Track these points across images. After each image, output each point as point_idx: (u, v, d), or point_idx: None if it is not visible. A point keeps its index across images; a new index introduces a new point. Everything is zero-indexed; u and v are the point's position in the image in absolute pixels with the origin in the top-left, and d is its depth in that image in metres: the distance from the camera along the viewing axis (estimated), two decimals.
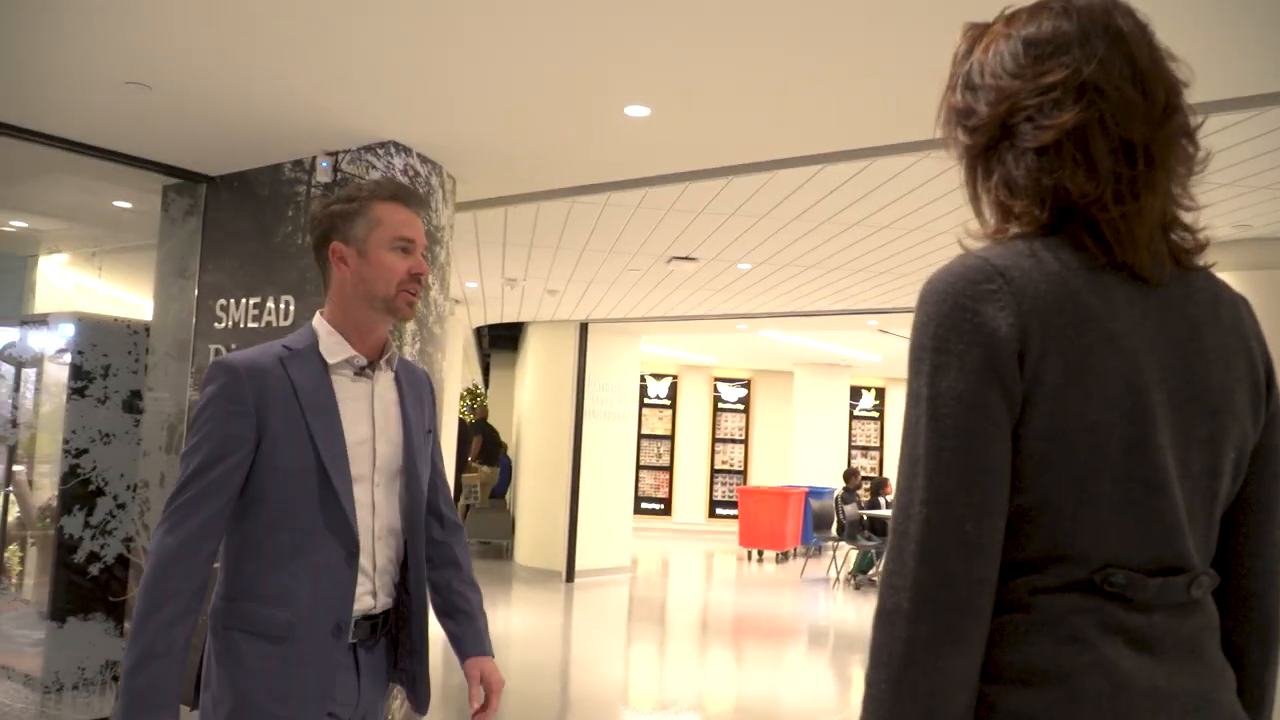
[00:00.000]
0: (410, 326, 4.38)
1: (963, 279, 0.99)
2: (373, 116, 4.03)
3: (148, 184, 5.17)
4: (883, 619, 0.98)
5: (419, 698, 1.96)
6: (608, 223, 5.73)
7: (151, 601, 1.67)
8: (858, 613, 9.34)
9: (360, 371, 1.91)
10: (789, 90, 3.52)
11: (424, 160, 4.48)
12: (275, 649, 1.75)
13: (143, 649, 1.65)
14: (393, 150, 4.34)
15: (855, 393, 16.33)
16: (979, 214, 1.14)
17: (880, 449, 16.54)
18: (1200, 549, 1.06)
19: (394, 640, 1.96)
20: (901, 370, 15.42)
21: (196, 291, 4.96)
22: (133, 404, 5.23)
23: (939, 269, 1.02)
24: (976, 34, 1.14)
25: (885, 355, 13.45)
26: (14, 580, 5.51)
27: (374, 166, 4.33)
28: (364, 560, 1.84)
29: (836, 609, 9.59)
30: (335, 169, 4.43)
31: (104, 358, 5.18)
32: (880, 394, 16.69)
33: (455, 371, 9.32)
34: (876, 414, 16.63)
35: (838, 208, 5.20)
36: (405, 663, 1.96)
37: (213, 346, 4.80)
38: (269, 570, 1.78)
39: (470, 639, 2.05)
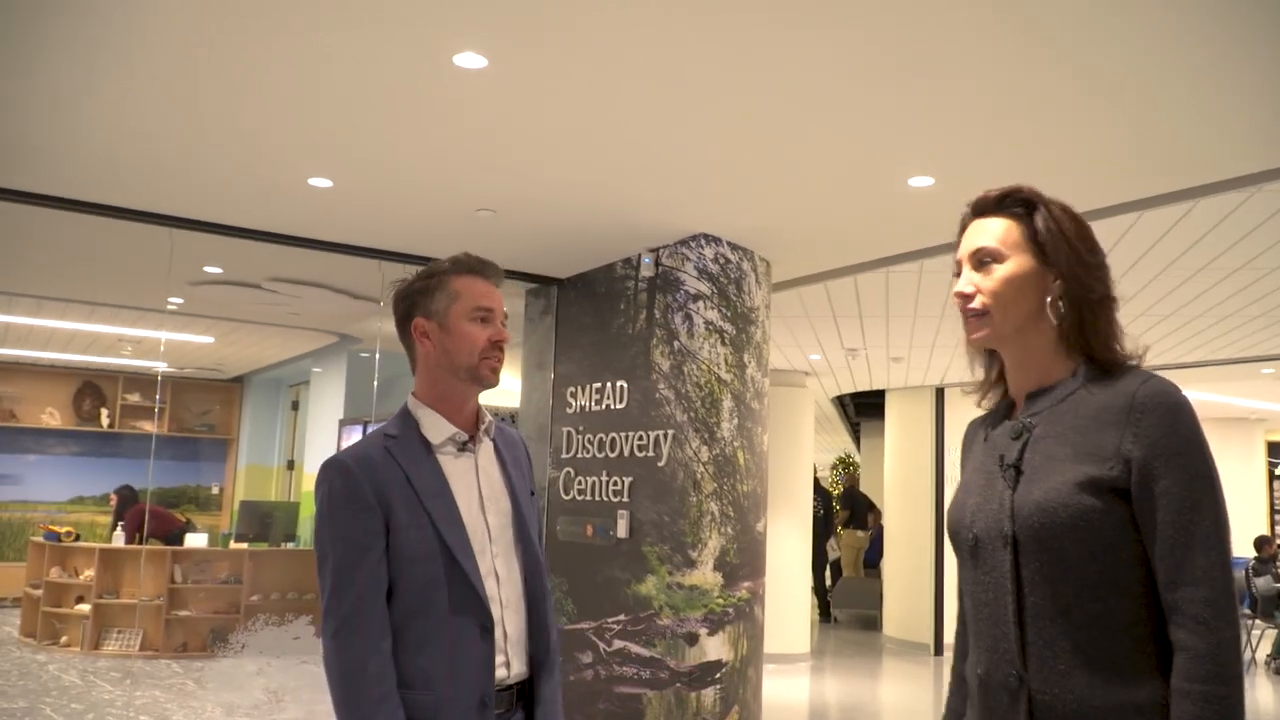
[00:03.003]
0: (727, 403, 4.68)
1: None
2: (685, 214, 4.43)
3: (513, 290, 5.99)
4: (1231, 646, 1.30)
5: None
6: (930, 288, 5.72)
7: (364, 713, 1.70)
8: None
9: (463, 447, 1.93)
10: (1082, 138, 3.44)
11: (734, 247, 4.82)
12: None
13: None
14: (704, 241, 4.72)
15: (1276, 449, 14.27)
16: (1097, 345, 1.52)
17: None
18: None
19: (529, 707, 1.95)
20: None
21: (552, 380, 5.63)
22: None
23: (1161, 379, 1.42)
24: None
25: None
26: None
27: (688, 259, 4.73)
28: (496, 631, 1.85)
29: (1252, 694, 8.41)
30: (656, 263, 4.90)
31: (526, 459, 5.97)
32: None
33: (804, 443, 9.47)
34: None
35: (1173, 254, 4.82)
36: None
37: (565, 429, 5.42)
38: (410, 655, 1.79)
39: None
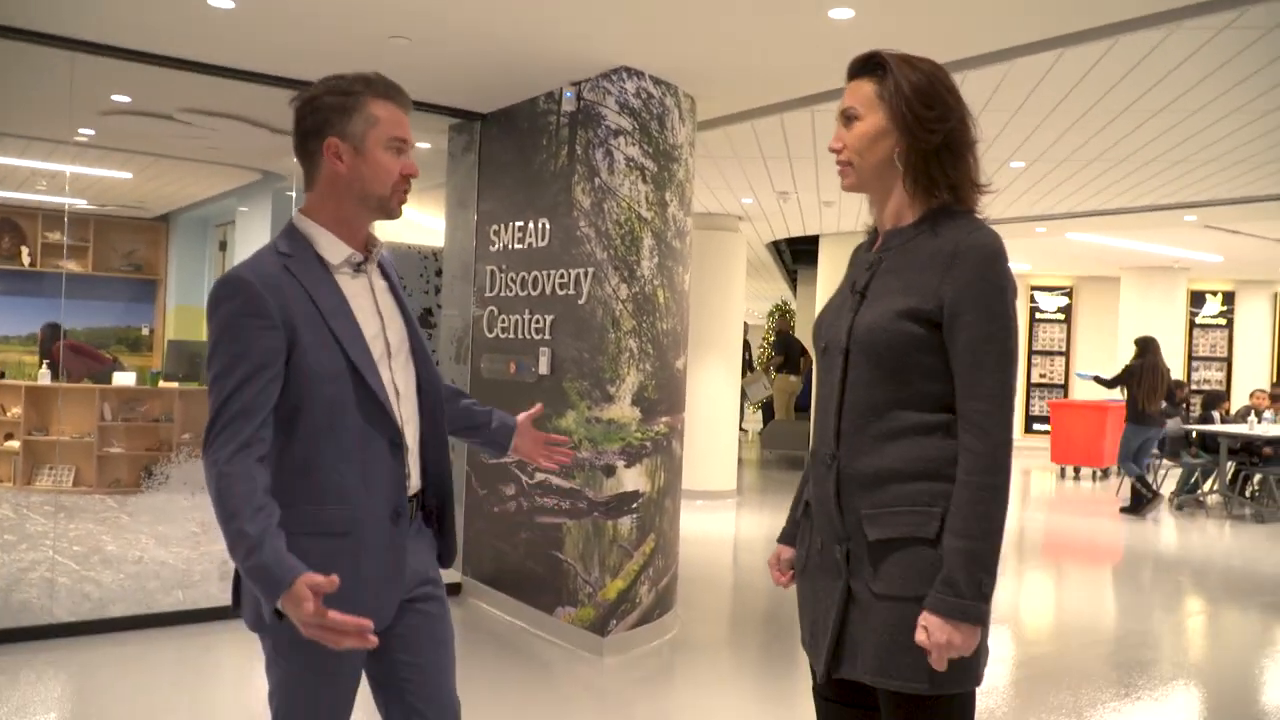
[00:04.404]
0: (648, 241, 4.69)
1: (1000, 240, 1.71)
2: (606, 45, 4.31)
3: (437, 126, 5.84)
4: (1003, 448, 1.65)
5: (447, 553, 2.11)
6: None
7: (233, 507, 1.66)
8: (1182, 535, 8.68)
9: (358, 268, 1.94)
10: None
11: (657, 82, 4.73)
12: (341, 542, 1.81)
13: (246, 538, 1.63)
14: (625, 75, 4.62)
15: (1197, 299, 14.76)
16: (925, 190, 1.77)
17: (1229, 360, 14.85)
18: None
19: (431, 512, 2.07)
20: (1252, 273, 13.78)
21: (475, 218, 5.58)
22: (425, 320, 6.04)
23: (985, 231, 1.70)
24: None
25: (1229, 255, 12.04)
26: None
27: (609, 93, 4.64)
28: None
29: (1157, 530, 8.95)
30: (578, 98, 4.80)
31: (401, 280, 5.99)
32: (1229, 299, 14.94)
33: (735, 288, 9.56)
34: (1224, 321, 14.92)
35: (1094, 95, 4.84)
36: (438, 527, 2.10)
37: (488, 268, 5.41)
38: (321, 473, 1.81)
39: (505, 416, 2.26)
